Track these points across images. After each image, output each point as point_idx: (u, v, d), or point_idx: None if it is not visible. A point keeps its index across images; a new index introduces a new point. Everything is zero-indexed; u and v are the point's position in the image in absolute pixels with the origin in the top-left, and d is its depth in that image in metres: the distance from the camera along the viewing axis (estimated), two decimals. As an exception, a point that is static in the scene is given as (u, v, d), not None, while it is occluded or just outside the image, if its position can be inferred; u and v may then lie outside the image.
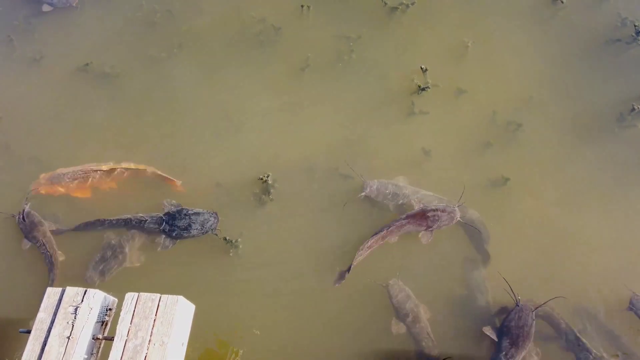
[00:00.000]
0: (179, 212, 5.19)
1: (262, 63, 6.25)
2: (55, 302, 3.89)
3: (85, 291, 3.91)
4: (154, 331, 3.75)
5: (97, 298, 3.89)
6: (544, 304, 4.57)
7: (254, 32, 6.41)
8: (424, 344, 4.67)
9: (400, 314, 4.79)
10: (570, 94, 5.81)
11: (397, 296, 4.83)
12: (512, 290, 4.62)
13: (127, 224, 5.23)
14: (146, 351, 3.67)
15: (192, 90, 6.16)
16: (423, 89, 5.78)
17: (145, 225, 5.18)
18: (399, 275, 4.96)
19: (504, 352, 4.45)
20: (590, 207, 5.20)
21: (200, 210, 5.22)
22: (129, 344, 3.70)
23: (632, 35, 5.95)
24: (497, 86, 5.90)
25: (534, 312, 4.52)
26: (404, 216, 5.06)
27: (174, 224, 5.13)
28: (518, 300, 4.59)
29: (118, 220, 5.22)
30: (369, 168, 5.45)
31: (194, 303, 4.21)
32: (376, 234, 4.98)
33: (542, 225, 5.13)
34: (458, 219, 5.01)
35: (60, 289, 3.93)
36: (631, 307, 4.68)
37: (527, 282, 4.80)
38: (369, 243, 4.94)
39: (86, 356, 3.75)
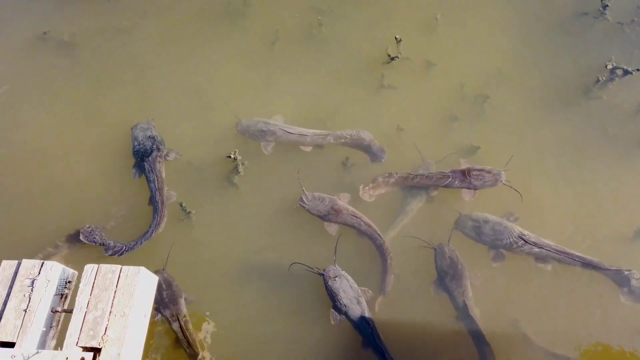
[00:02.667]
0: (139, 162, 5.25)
1: (231, 35, 6.09)
2: (11, 275, 3.74)
3: (43, 263, 3.77)
4: (114, 302, 3.65)
5: (54, 270, 3.77)
6: (451, 231, 4.83)
7: (223, 3, 6.23)
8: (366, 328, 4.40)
9: (335, 303, 4.47)
10: (537, 66, 5.84)
11: (333, 283, 4.45)
12: (426, 242, 4.80)
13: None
14: (107, 322, 3.57)
15: (158, 62, 5.96)
16: (393, 59, 5.73)
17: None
18: (336, 261, 4.60)
19: (454, 292, 4.60)
20: (554, 174, 5.27)
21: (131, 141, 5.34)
22: (88, 316, 3.59)
23: (599, 10, 6.01)
24: (466, 59, 5.89)
25: (448, 244, 4.78)
26: (449, 171, 5.07)
27: (146, 164, 5.15)
28: (434, 246, 4.80)
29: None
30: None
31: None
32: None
33: (506, 189, 5.10)
34: (502, 182, 5.00)
35: (16, 262, 3.79)
36: (457, 226, 4.91)
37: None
38: (397, 177, 5.03)
39: (44, 329, 3.64)
